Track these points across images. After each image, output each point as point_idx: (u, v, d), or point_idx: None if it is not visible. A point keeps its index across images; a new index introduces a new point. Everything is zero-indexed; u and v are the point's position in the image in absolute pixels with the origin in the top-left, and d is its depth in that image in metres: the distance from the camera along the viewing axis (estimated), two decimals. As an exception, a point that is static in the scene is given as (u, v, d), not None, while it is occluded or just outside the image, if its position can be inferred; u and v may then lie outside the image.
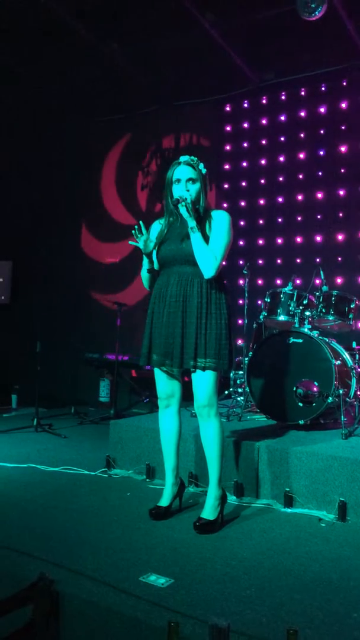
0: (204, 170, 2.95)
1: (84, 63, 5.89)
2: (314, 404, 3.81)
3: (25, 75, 6.20)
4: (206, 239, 2.86)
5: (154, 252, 2.99)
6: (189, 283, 2.89)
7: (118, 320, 5.88)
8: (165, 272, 2.99)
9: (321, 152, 5.86)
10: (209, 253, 2.83)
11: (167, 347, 2.90)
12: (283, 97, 6.08)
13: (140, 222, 2.95)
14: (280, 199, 6.07)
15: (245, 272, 4.85)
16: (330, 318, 4.26)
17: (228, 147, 6.41)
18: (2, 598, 2.06)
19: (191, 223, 2.83)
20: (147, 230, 2.98)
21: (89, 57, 5.75)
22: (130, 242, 3.00)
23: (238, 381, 4.88)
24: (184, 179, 2.90)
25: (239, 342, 5.28)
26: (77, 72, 6.07)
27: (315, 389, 3.81)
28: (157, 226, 3.07)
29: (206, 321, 2.85)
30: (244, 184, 6.30)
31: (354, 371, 4.07)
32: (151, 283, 3.07)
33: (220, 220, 2.92)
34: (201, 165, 2.95)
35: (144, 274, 3.06)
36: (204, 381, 2.86)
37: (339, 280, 5.52)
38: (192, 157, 2.95)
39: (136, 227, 2.93)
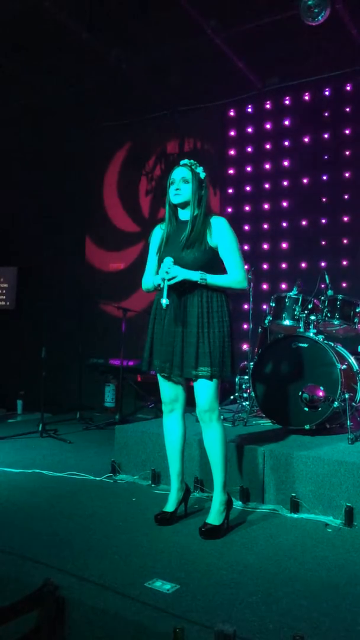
0: (202, 175, 2.97)
1: (88, 69, 5.91)
2: (319, 409, 3.80)
3: (29, 81, 6.22)
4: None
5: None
6: (189, 292, 2.89)
7: (123, 326, 5.88)
8: None
9: (325, 157, 5.85)
10: (228, 279, 2.88)
11: (167, 355, 2.90)
12: (287, 102, 6.09)
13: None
14: (284, 204, 6.07)
15: (250, 276, 4.85)
16: (336, 322, 4.24)
17: (232, 152, 6.42)
18: (8, 604, 2.06)
19: (195, 277, 2.81)
20: (148, 238, 2.99)
21: (93, 63, 5.77)
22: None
23: (243, 386, 4.87)
24: (177, 179, 2.94)
25: (244, 346, 5.27)
26: (81, 78, 6.09)
27: (320, 393, 3.80)
28: (159, 232, 3.07)
29: (208, 330, 2.85)
30: (248, 188, 6.31)
31: (359, 375, 4.05)
32: (152, 289, 3.06)
33: (221, 230, 2.92)
34: (199, 169, 2.98)
35: (147, 282, 3.05)
36: (205, 388, 2.86)
37: (344, 285, 5.51)
38: (191, 161, 3.00)
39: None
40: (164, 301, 2.73)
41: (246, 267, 5.54)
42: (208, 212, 2.97)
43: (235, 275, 2.89)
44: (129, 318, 5.96)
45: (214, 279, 2.85)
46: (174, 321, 2.89)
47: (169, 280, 2.77)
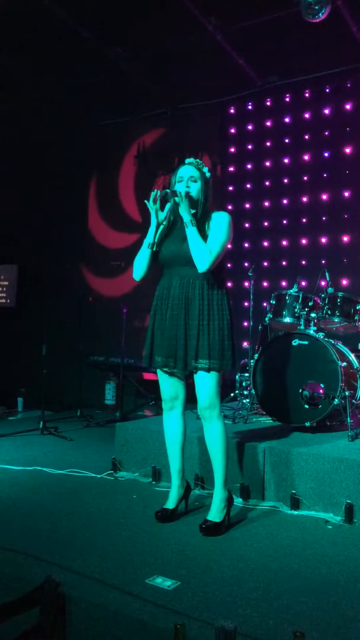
0: (207, 174, 3.00)
1: (88, 67, 5.90)
2: (320, 406, 3.80)
3: (28, 80, 6.21)
4: (205, 238, 2.88)
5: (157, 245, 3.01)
6: (190, 285, 2.90)
7: (123, 323, 5.88)
8: (167, 273, 3.01)
9: (326, 154, 5.85)
10: (204, 247, 2.83)
11: (170, 349, 2.91)
12: (287, 99, 6.08)
13: (157, 192, 2.95)
14: (285, 201, 6.07)
15: (250, 274, 4.85)
16: (336, 320, 4.25)
17: (232, 149, 6.42)
18: (9, 600, 2.06)
19: (186, 218, 2.86)
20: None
21: (93, 62, 5.76)
22: (145, 201, 3.01)
23: (244, 383, 4.87)
24: (186, 178, 2.95)
25: (245, 344, 5.28)
26: (81, 76, 6.08)
27: (321, 390, 3.81)
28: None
29: (209, 322, 2.86)
30: (248, 186, 6.30)
31: (359, 373, 4.05)
32: (145, 271, 3.01)
33: (219, 220, 2.94)
34: (205, 169, 3.01)
35: (142, 255, 3.00)
36: (206, 383, 2.87)
37: (344, 282, 5.51)
38: (197, 160, 3.03)
39: (153, 194, 2.96)
40: (167, 191, 2.90)
41: (246, 264, 5.62)
42: (210, 209, 2.99)
43: (208, 253, 2.82)
44: (129, 316, 5.96)
45: (196, 234, 2.83)
46: (176, 315, 2.90)
47: (179, 193, 2.85)
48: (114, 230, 7.09)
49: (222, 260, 2.95)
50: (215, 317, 2.88)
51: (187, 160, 3.02)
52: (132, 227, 6.81)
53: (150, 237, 3.01)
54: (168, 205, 3.05)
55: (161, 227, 3.02)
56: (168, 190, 2.91)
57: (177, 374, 3.00)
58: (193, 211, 2.92)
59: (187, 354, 2.86)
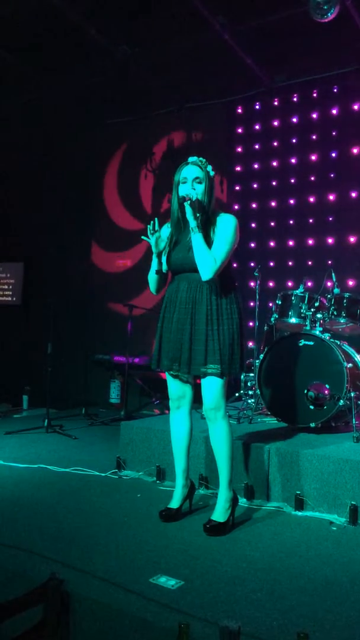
0: (212, 173, 2.93)
1: (94, 66, 5.91)
2: (325, 407, 3.79)
3: (34, 77, 6.22)
4: (210, 242, 2.85)
5: (164, 255, 2.99)
6: (198, 289, 2.89)
7: (129, 323, 5.89)
8: (176, 278, 3.00)
9: (333, 154, 5.83)
10: (208, 255, 2.80)
11: (176, 353, 2.90)
12: (295, 99, 6.07)
13: (155, 220, 2.95)
14: (291, 201, 6.06)
15: (256, 274, 4.84)
16: (342, 320, 4.24)
17: (239, 149, 6.41)
18: (13, 598, 2.07)
19: (193, 223, 2.81)
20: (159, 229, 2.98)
21: (100, 60, 5.76)
22: (142, 237, 3.01)
23: (249, 383, 4.87)
24: (190, 179, 2.88)
25: (250, 344, 5.27)
26: (88, 74, 6.09)
27: (326, 391, 3.80)
28: (167, 230, 3.06)
29: (218, 327, 2.84)
30: (255, 185, 6.29)
31: (365, 374, 4.04)
32: (158, 287, 3.05)
33: (225, 224, 2.89)
34: (209, 167, 2.93)
35: (152, 276, 3.04)
36: (212, 385, 2.86)
37: (350, 283, 5.50)
38: (200, 158, 2.93)
39: (151, 222, 2.94)
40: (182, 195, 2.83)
41: (252, 264, 5.61)
42: (215, 209, 2.95)
43: (212, 261, 2.80)
44: (134, 315, 5.96)
45: (202, 241, 2.79)
46: (182, 319, 2.89)
47: (190, 198, 2.79)
48: (118, 229, 7.10)
49: (229, 262, 2.93)
50: (224, 322, 2.86)
51: (191, 159, 2.92)
52: (131, 228, 6.81)
53: (155, 264, 2.99)
54: (162, 231, 2.99)
55: (164, 253, 2.99)
56: (181, 195, 2.86)
57: (183, 376, 3.00)
58: (198, 214, 2.85)
59: (193, 359, 2.85)
